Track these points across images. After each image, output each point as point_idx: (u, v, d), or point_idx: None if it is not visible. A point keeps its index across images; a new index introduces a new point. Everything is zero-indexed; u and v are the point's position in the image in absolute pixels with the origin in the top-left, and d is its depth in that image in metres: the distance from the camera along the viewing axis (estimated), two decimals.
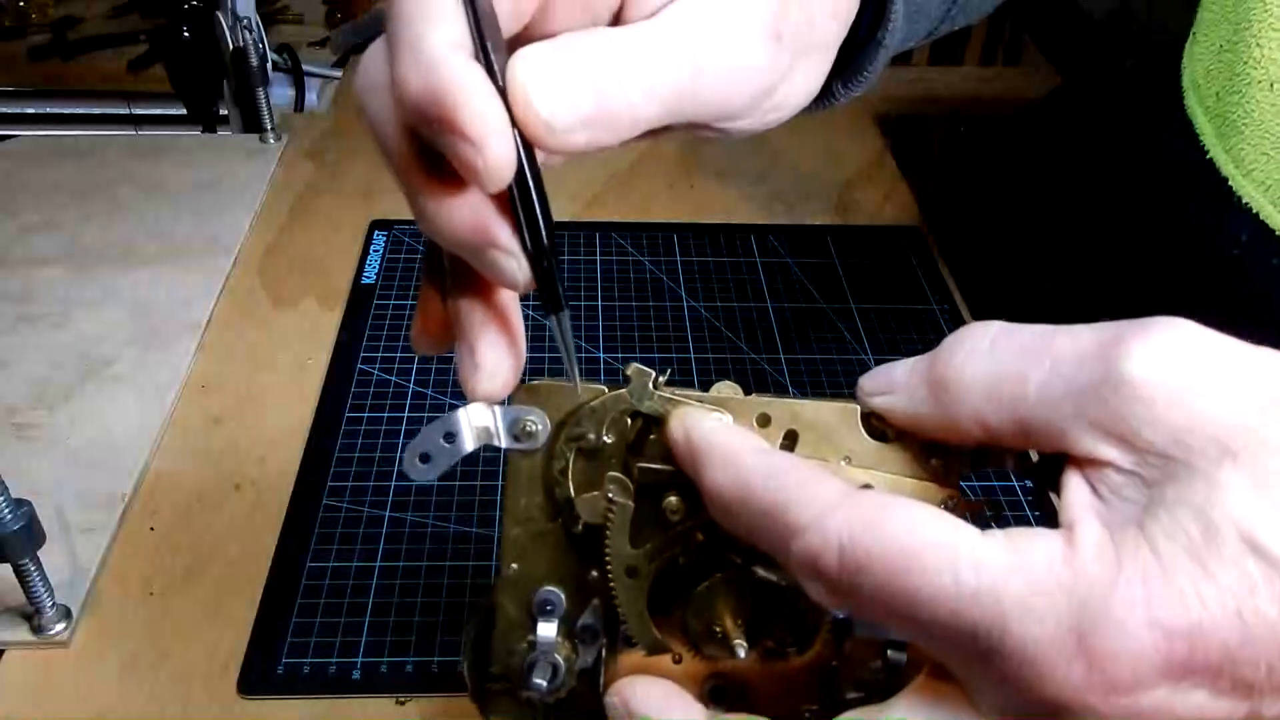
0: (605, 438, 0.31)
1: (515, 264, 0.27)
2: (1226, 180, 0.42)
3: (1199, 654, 0.21)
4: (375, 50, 0.27)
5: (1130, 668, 0.22)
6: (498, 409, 0.31)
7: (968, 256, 0.89)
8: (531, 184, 0.26)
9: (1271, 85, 0.40)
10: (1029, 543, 0.23)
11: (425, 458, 0.30)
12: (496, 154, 0.24)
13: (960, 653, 0.24)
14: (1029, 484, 0.63)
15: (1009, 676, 0.23)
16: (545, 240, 0.27)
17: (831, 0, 0.33)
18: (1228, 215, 0.42)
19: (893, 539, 0.24)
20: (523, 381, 0.31)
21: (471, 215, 0.26)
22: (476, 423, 0.31)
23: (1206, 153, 0.44)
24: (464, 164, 0.24)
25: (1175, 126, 0.46)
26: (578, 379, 0.31)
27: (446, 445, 0.30)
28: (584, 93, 0.26)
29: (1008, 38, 1.26)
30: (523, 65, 0.25)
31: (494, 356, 0.30)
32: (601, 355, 0.74)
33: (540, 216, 0.27)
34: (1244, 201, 0.41)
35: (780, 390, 0.71)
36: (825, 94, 0.37)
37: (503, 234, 0.26)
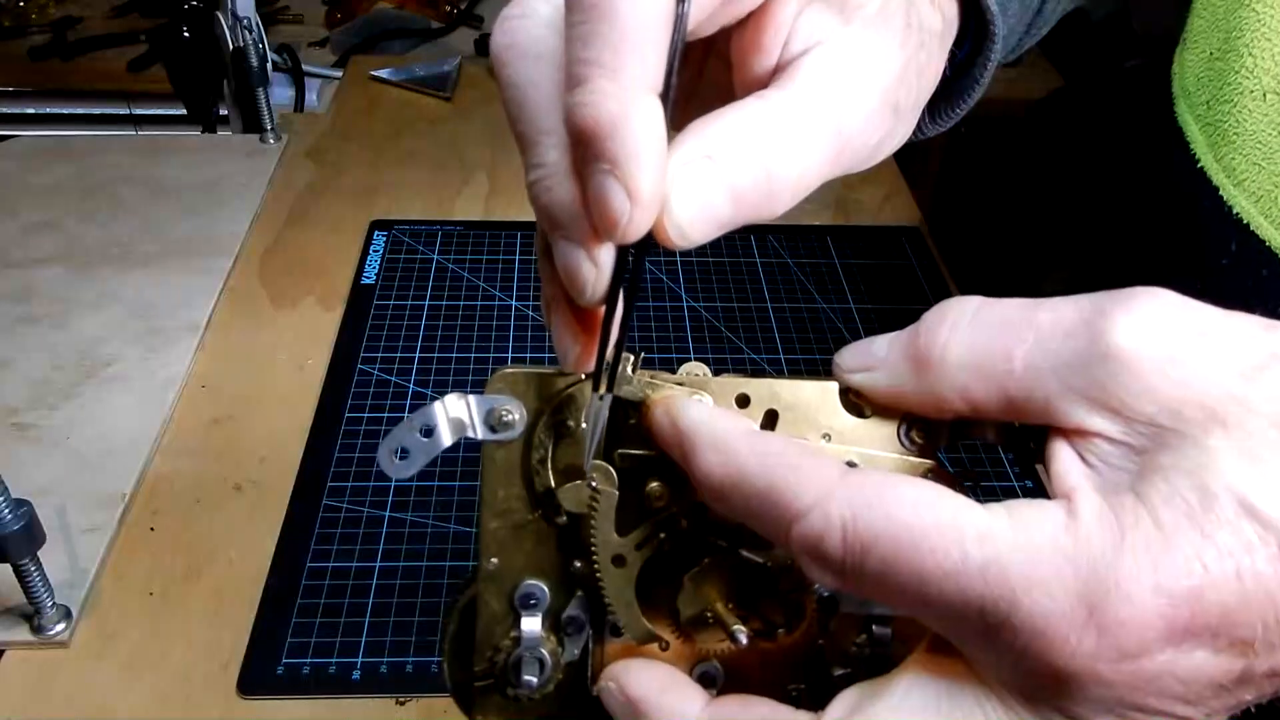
0: (583, 424, 0.30)
1: (594, 275, 0.26)
2: (1218, 190, 0.42)
3: (1200, 616, 0.22)
4: (531, 10, 0.26)
5: (1138, 635, 0.22)
6: (472, 399, 0.30)
7: (968, 256, 0.89)
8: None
9: (1264, 95, 0.40)
10: (1031, 515, 0.23)
11: (403, 453, 0.29)
12: (639, 226, 0.24)
13: (968, 627, 0.24)
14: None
15: (1018, 649, 0.23)
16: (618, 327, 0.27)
17: (933, 68, 0.33)
18: (1218, 225, 0.41)
19: (896, 518, 0.24)
20: (495, 370, 0.31)
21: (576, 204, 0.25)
22: (453, 414, 0.30)
23: (1198, 161, 0.43)
24: (606, 207, 0.24)
25: (1168, 133, 0.46)
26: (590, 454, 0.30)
27: (424, 440, 0.29)
28: (724, 210, 0.28)
29: None
30: (673, 184, 0.26)
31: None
32: None
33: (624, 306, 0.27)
34: (1235, 212, 0.41)
35: None
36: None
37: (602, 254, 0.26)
